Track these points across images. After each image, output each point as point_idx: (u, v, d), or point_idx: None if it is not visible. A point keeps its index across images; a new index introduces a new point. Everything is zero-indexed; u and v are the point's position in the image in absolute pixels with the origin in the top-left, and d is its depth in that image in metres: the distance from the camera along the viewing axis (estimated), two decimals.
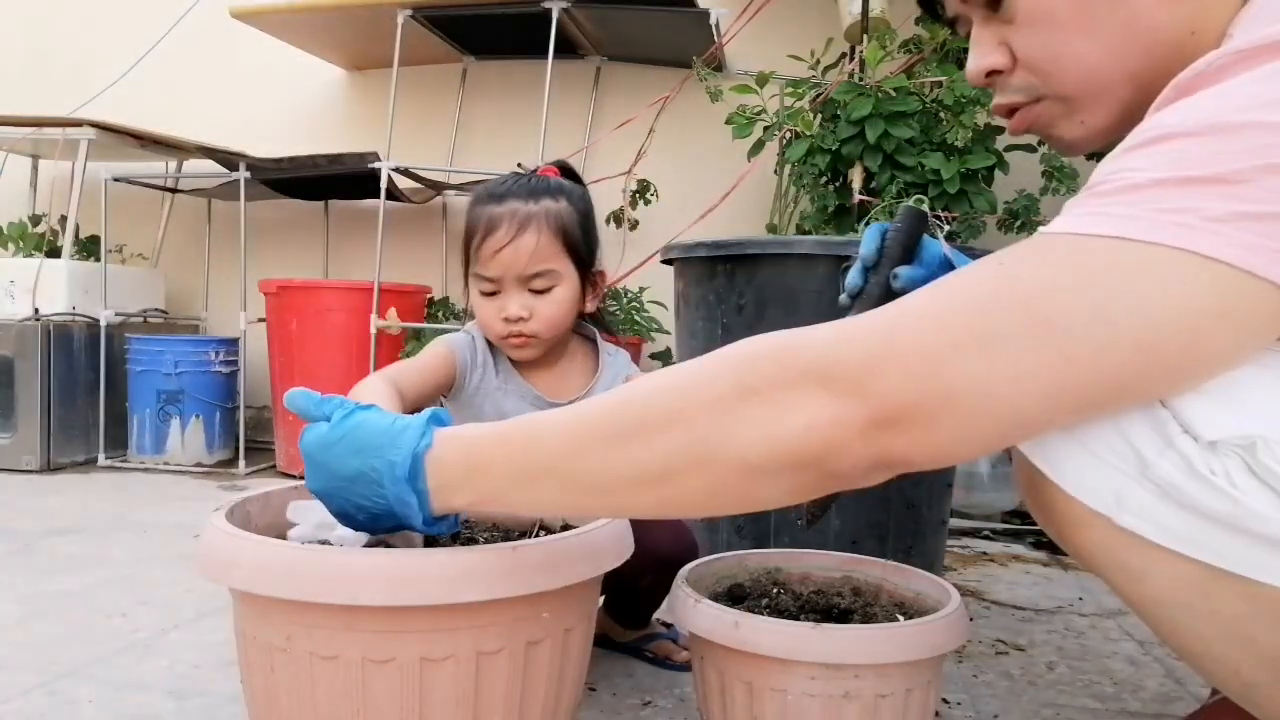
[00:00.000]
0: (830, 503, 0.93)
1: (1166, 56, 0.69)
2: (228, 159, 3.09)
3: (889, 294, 0.92)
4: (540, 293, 1.25)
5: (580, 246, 1.27)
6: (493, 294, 1.25)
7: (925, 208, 0.98)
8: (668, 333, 2.81)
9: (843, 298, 0.96)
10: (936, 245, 0.99)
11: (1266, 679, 0.66)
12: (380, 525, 0.77)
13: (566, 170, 1.35)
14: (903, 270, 0.93)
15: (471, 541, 0.96)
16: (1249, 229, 0.55)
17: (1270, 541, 0.60)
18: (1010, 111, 0.82)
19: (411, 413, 0.79)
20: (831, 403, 0.60)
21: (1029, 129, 0.82)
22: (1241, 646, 0.65)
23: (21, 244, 3.24)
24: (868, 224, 2.16)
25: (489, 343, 1.33)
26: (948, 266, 0.98)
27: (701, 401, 0.64)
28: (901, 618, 1.01)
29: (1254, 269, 0.55)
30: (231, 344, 3.16)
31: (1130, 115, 0.74)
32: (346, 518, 0.78)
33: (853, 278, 0.96)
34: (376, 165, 2.84)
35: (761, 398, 0.62)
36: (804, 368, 0.61)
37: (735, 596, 1.09)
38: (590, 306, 1.33)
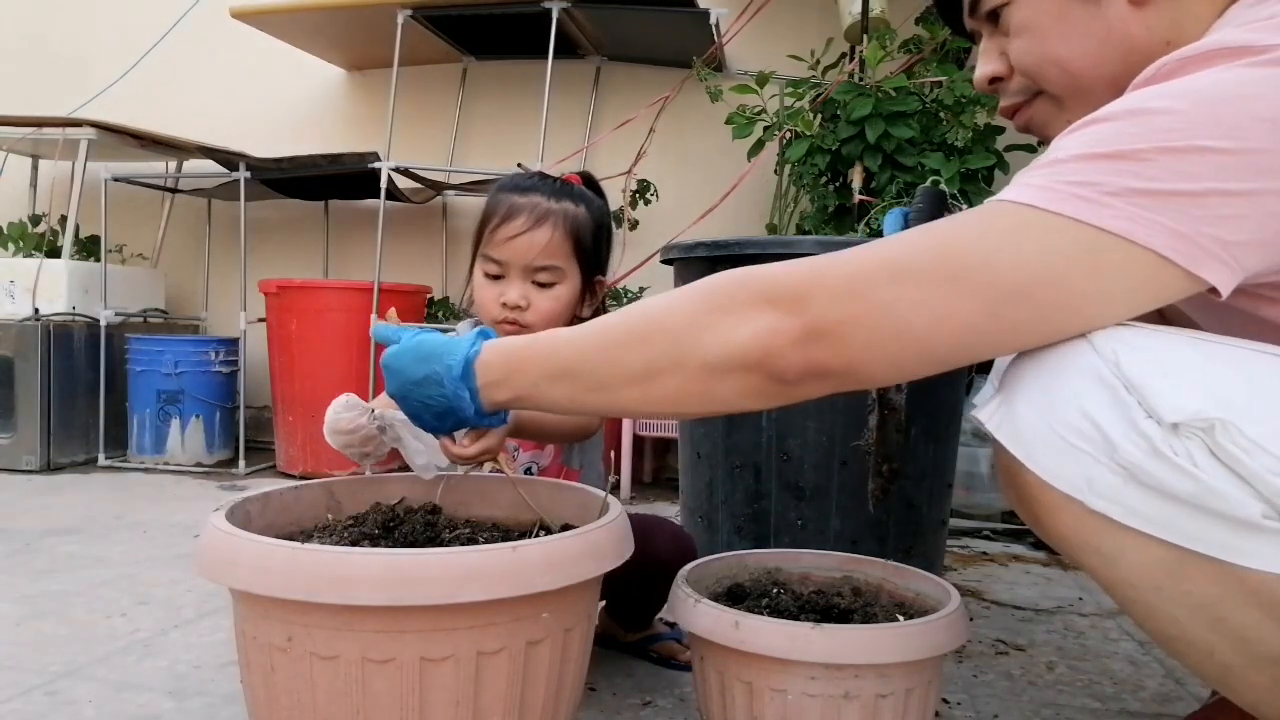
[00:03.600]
0: (890, 484, 0.97)
1: (1144, 64, 0.72)
2: (228, 159, 3.09)
3: None
4: (542, 286, 1.26)
5: (589, 253, 1.30)
6: (497, 277, 1.28)
7: (943, 187, 0.99)
8: None
9: None
10: None
11: (1240, 661, 0.68)
12: (444, 423, 0.91)
13: (590, 181, 1.38)
14: None
15: (472, 541, 0.97)
16: (1138, 203, 0.64)
17: (1235, 522, 0.63)
18: (1013, 113, 0.90)
19: None
20: (774, 316, 0.72)
21: (1027, 127, 0.90)
22: (1214, 628, 0.67)
23: (21, 244, 3.24)
24: (868, 224, 2.16)
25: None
26: None
27: (679, 314, 0.78)
28: (901, 618, 1.01)
29: (1133, 237, 0.64)
30: (231, 344, 3.16)
31: None
32: (417, 417, 0.92)
33: None
34: (376, 165, 2.84)
35: (724, 312, 0.75)
36: (758, 289, 0.74)
37: (735, 596, 1.09)
38: (585, 313, 1.34)
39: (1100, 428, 0.66)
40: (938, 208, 0.98)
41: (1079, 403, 0.67)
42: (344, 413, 0.97)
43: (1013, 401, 0.72)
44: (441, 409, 0.88)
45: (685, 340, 0.76)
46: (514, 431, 1.05)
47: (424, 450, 1.00)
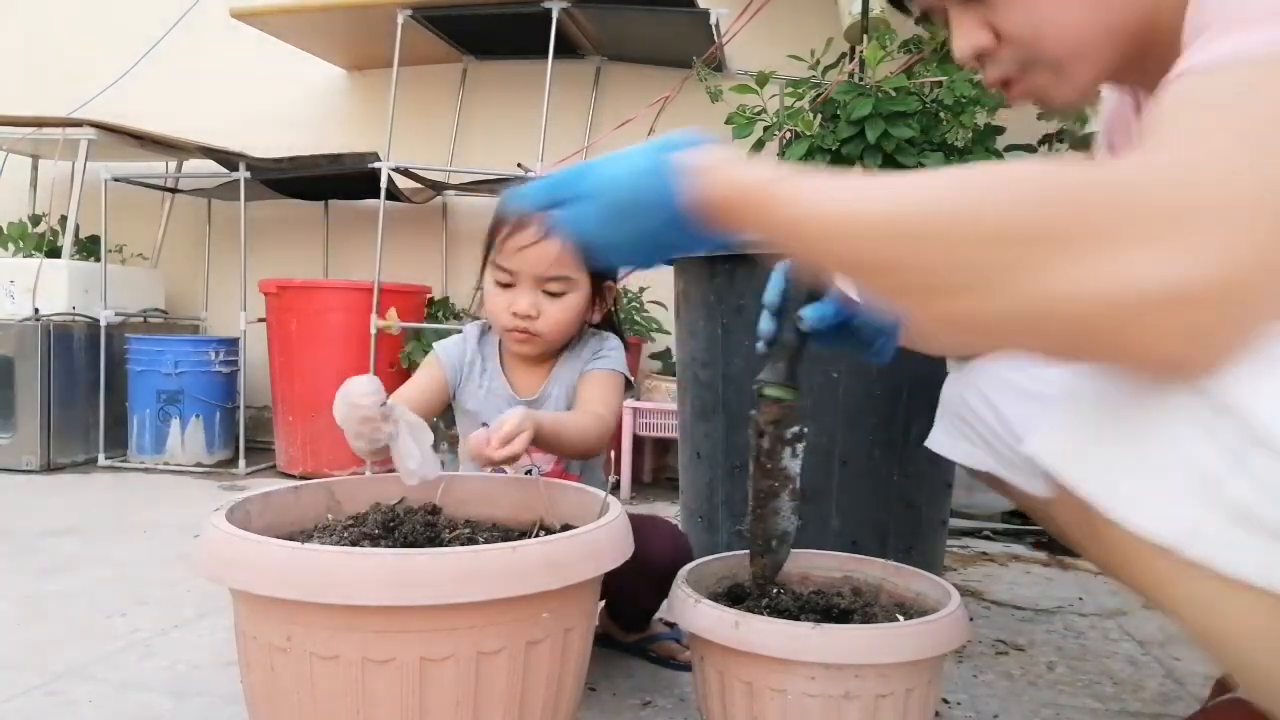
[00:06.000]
0: (781, 562, 0.97)
1: (1146, 5, 0.69)
2: (228, 159, 3.09)
3: (802, 336, 0.91)
4: (553, 295, 1.26)
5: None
6: (508, 285, 1.28)
7: None
8: (668, 333, 2.80)
9: (759, 344, 0.94)
10: None
11: None
12: (648, 228, 0.80)
13: None
14: (807, 311, 0.90)
15: (472, 541, 0.97)
16: None
17: None
18: (1004, 84, 0.84)
19: None
20: (1166, 254, 0.52)
21: (1025, 97, 0.84)
22: None
23: (21, 244, 3.24)
24: None
25: (480, 341, 1.35)
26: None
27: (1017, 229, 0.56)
28: (901, 618, 1.01)
29: None
30: (231, 344, 3.16)
31: (1115, 68, 0.76)
32: (616, 249, 0.82)
33: (764, 325, 0.93)
34: (376, 165, 2.84)
35: (1069, 243, 0.54)
36: (1117, 207, 0.54)
37: (735, 596, 1.09)
38: (595, 318, 1.35)
39: (1199, 464, 0.57)
40: None
41: (1176, 443, 0.58)
42: (361, 385, 0.98)
43: (1092, 441, 0.63)
44: (649, 203, 0.79)
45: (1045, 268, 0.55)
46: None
47: (416, 455, 1.00)
